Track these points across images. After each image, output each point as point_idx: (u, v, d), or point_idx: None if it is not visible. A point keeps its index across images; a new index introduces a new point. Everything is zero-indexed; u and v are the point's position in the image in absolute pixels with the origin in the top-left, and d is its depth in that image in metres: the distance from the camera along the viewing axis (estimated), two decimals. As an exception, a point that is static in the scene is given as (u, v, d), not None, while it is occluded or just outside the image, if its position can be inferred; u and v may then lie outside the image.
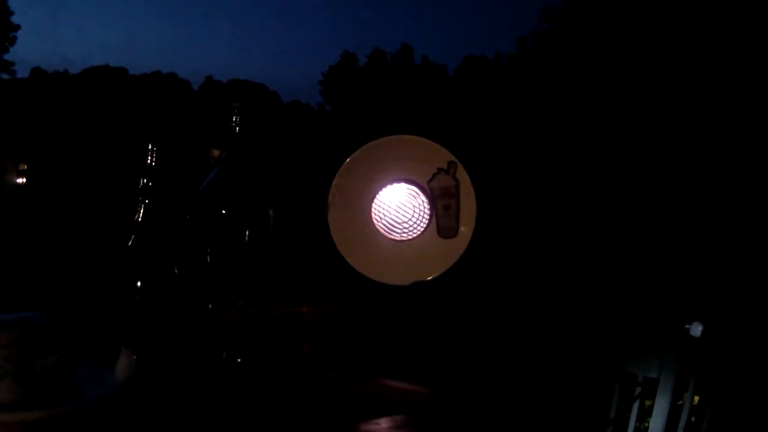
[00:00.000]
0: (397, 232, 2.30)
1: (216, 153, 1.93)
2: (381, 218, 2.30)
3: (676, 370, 2.00)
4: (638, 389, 2.07)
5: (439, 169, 2.28)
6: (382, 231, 2.30)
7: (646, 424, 2.06)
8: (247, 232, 1.79)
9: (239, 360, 1.79)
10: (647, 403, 2.09)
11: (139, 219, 1.98)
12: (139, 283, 2.00)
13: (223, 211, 1.76)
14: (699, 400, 2.03)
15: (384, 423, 1.60)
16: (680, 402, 2.01)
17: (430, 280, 2.27)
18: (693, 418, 2.01)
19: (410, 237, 2.30)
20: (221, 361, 1.78)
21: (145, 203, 1.96)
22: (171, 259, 1.95)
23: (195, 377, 1.75)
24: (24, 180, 4.08)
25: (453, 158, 2.28)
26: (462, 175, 2.28)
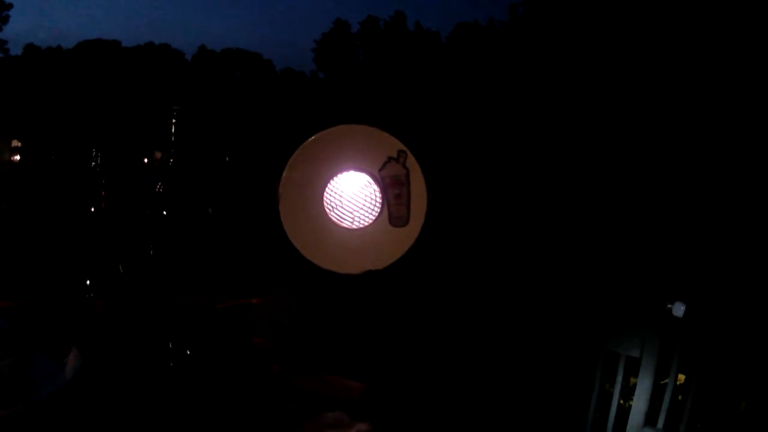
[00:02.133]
0: (349, 221, 2.31)
1: (158, 155, 1.95)
2: (333, 208, 2.30)
3: (658, 349, 2.00)
4: (621, 368, 2.07)
5: (390, 158, 2.29)
6: (334, 220, 2.31)
7: (631, 403, 2.06)
8: (188, 230, 1.82)
9: (188, 352, 1.82)
10: (632, 381, 2.09)
11: (89, 218, 2.02)
12: (88, 281, 2.03)
13: (165, 212, 1.79)
14: (684, 379, 2.03)
15: (319, 419, 1.62)
16: (664, 381, 2.01)
17: (382, 268, 2.29)
18: (680, 397, 2.00)
19: (362, 226, 2.31)
20: (169, 353, 1.81)
21: (92, 205, 2.01)
22: (117, 257, 1.98)
23: (147, 370, 1.78)
24: (18, 157, 4.07)
25: (403, 147, 2.28)
26: (412, 163, 2.29)
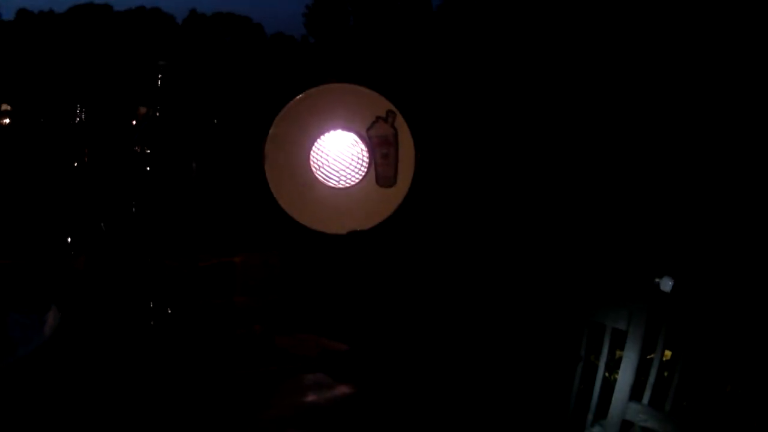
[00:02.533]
0: (335, 180, 2.27)
1: (143, 110, 1.92)
2: (319, 167, 2.27)
3: (644, 323, 1.97)
4: (606, 340, 2.04)
5: (378, 118, 2.25)
6: (320, 179, 2.27)
7: (616, 376, 2.04)
8: (172, 186, 1.79)
9: (169, 311, 1.80)
10: (618, 354, 2.06)
11: (71, 174, 1.99)
12: (69, 239, 2.00)
13: (148, 168, 1.77)
14: (671, 356, 2.01)
15: (300, 381, 1.60)
16: (651, 356, 1.99)
17: (368, 229, 2.25)
18: (666, 374, 1.98)
19: (348, 185, 2.27)
20: (150, 312, 1.78)
21: (75, 160, 1.98)
22: (99, 215, 1.95)
23: (128, 329, 1.76)
24: (7, 121, 4.06)
25: (392, 107, 2.24)
26: (401, 123, 2.25)
